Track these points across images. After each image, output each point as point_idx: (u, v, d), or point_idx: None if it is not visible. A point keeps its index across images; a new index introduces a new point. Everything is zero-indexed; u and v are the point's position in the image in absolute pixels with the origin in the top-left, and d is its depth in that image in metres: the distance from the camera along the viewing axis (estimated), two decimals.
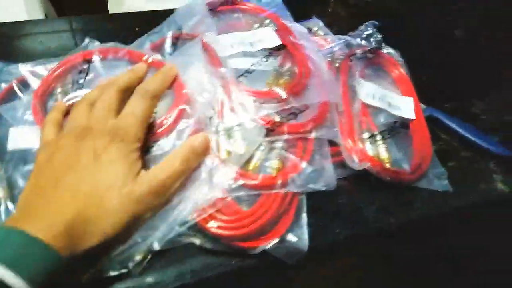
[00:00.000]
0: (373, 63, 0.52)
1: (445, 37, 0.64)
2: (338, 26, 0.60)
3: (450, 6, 0.71)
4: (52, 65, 0.46)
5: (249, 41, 0.46)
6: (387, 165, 0.42)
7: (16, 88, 0.44)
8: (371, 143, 0.43)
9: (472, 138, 0.47)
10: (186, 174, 0.35)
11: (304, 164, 0.38)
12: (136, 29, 0.56)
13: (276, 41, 0.46)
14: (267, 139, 0.39)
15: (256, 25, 0.49)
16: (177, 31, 0.45)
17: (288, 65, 0.46)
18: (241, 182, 0.36)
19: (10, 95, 0.44)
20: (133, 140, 0.33)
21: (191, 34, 0.44)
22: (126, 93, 0.37)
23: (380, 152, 0.43)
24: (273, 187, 0.37)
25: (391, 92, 0.49)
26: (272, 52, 0.46)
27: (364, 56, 0.51)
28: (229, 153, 0.37)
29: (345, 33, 0.56)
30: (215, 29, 0.44)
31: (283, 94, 0.41)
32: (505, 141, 0.48)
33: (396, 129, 0.45)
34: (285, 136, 0.39)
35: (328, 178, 0.38)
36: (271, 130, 0.39)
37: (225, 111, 0.39)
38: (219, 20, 0.50)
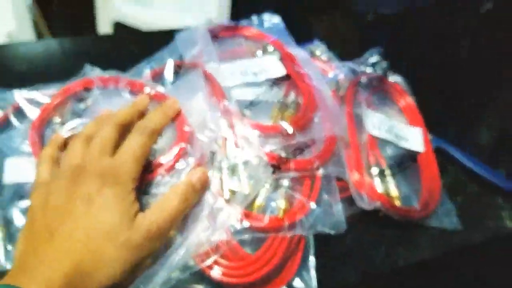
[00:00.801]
0: (379, 90, 0.51)
1: (451, 61, 0.63)
2: (341, 48, 0.58)
3: (455, 25, 0.70)
4: (48, 91, 0.44)
5: (252, 70, 0.44)
6: (397, 202, 0.41)
7: (12, 117, 0.42)
8: (380, 179, 0.41)
9: (480, 172, 0.46)
10: (185, 212, 0.33)
11: (312, 205, 0.36)
12: (135, 51, 0.54)
13: (281, 71, 0.45)
14: (273, 176, 0.37)
15: (259, 52, 0.48)
16: (178, 59, 0.43)
17: (292, 95, 0.44)
18: (246, 223, 0.35)
19: (6, 124, 0.42)
20: (128, 181, 0.31)
21: (193, 63, 0.43)
22: (125, 128, 0.35)
23: (389, 188, 0.41)
24: (280, 230, 0.35)
25: (399, 122, 0.48)
26: (276, 82, 0.44)
27: (370, 84, 0.50)
28: (233, 192, 0.35)
29: (347, 55, 0.55)
30: (217, 58, 0.43)
31: (289, 128, 0.39)
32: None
33: (405, 163, 0.44)
34: (292, 174, 0.38)
35: (337, 221, 0.36)
36: (277, 167, 0.37)
37: (229, 146, 0.37)
38: (221, 46, 0.48)
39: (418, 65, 0.61)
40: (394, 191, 0.41)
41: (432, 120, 0.49)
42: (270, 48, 0.48)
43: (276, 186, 0.37)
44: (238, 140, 0.37)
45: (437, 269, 0.43)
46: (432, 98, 0.55)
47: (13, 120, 0.42)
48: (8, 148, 0.40)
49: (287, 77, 0.45)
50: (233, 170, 0.36)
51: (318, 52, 0.55)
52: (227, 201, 0.35)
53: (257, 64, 0.45)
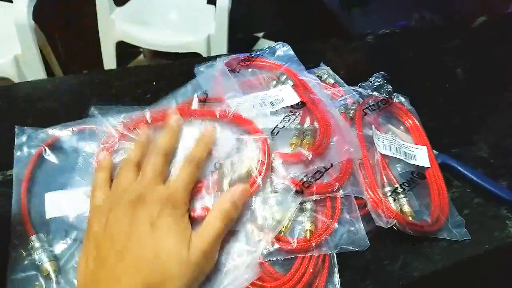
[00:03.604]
0: (384, 111, 0.53)
1: (448, 78, 0.66)
2: (346, 73, 0.61)
3: (447, 44, 0.73)
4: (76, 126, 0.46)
5: (269, 100, 0.47)
6: (410, 219, 0.43)
7: (46, 153, 0.44)
8: (393, 197, 0.44)
9: (484, 185, 0.49)
10: (229, 228, 0.36)
11: (335, 225, 0.39)
12: (153, 83, 0.56)
13: (296, 99, 0.47)
14: (299, 200, 0.39)
15: (274, 82, 0.50)
16: (203, 94, 0.45)
17: (308, 121, 0.47)
18: (276, 246, 0.37)
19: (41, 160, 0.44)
20: (182, 206, 0.34)
21: (216, 97, 0.45)
22: (169, 155, 0.38)
23: (402, 205, 0.43)
24: (308, 250, 0.37)
25: (406, 141, 0.50)
26: (292, 110, 0.47)
27: (376, 106, 0.52)
28: (265, 219, 0.37)
29: (351, 76, 0.58)
30: (239, 92, 0.45)
31: (309, 155, 0.42)
32: None
33: (415, 181, 0.46)
34: (315, 197, 0.40)
35: (360, 239, 0.38)
36: (301, 192, 0.39)
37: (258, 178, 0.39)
38: (237, 78, 0.51)
39: (418, 84, 0.64)
40: (407, 208, 0.43)
41: (435, 137, 0.52)
42: (283, 77, 0.51)
43: (301, 210, 0.40)
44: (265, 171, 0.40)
45: (450, 279, 0.45)
46: (434, 116, 0.58)
47: (48, 156, 0.44)
48: (45, 183, 0.42)
49: (301, 104, 0.47)
50: (264, 198, 0.38)
51: (324, 76, 0.57)
52: (260, 227, 0.37)
53: (274, 94, 0.48)
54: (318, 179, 0.41)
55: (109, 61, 1.68)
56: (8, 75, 1.22)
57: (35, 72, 1.25)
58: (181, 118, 0.42)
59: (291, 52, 0.55)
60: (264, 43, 2.13)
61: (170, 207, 0.33)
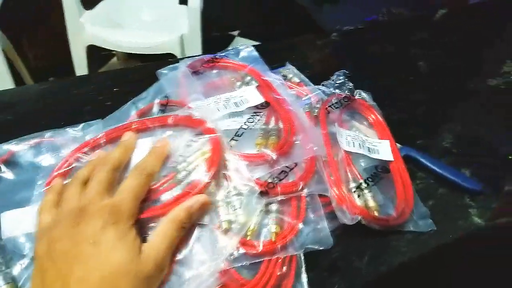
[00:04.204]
0: (348, 108, 0.53)
1: (410, 71, 0.67)
2: (311, 71, 0.60)
3: (410, 38, 0.74)
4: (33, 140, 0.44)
5: (233, 101, 0.46)
6: (375, 213, 0.43)
7: (2, 168, 0.42)
8: (357, 193, 0.44)
9: (447, 175, 0.49)
10: (181, 236, 0.35)
11: (300, 225, 0.38)
12: (115, 89, 0.54)
13: (260, 99, 0.47)
14: (264, 202, 0.39)
15: (238, 83, 0.49)
16: (163, 98, 0.44)
17: (272, 121, 0.46)
18: (242, 250, 0.36)
19: None
20: (128, 218, 0.32)
21: (179, 101, 0.44)
22: (119, 170, 0.37)
23: (367, 201, 0.43)
24: (274, 253, 0.36)
25: (369, 136, 0.51)
26: (257, 111, 0.46)
27: (340, 104, 0.52)
28: (229, 223, 0.37)
29: (317, 74, 0.57)
30: (201, 95, 0.44)
31: (274, 155, 0.41)
32: (476, 174, 0.50)
33: (379, 175, 0.46)
34: (280, 197, 0.39)
35: (324, 238, 0.38)
36: (266, 193, 0.39)
37: (220, 178, 0.39)
38: (200, 79, 0.50)
39: (382, 78, 0.64)
40: (372, 203, 0.43)
41: (399, 129, 0.52)
42: (247, 78, 0.50)
43: (266, 211, 0.39)
44: (229, 173, 0.39)
45: (416, 270, 0.46)
46: (398, 109, 0.58)
47: (4, 173, 0.42)
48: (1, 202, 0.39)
49: (266, 104, 0.47)
50: (227, 202, 0.37)
51: (290, 75, 0.57)
52: (224, 231, 0.36)
53: (238, 95, 0.47)
54: (282, 179, 0.40)
55: (80, 66, 1.64)
56: None
57: (2, 80, 1.20)
58: (135, 135, 0.40)
59: (255, 53, 0.55)
60: (239, 41, 2.11)
61: (114, 219, 0.31)
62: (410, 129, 0.56)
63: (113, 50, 1.88)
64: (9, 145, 0.43)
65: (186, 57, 0.53)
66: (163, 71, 0.49)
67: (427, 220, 0.45)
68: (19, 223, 0.37)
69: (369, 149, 0.48)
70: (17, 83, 1.38)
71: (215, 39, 1.72)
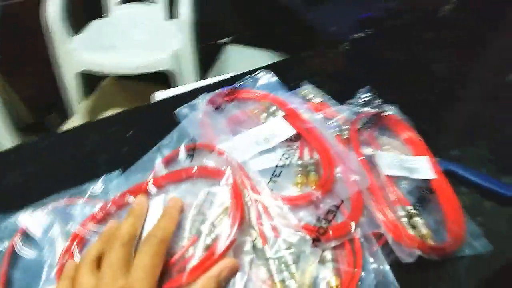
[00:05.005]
0: (378, 125, 0.50)
1: (426, 76, 0.64)
2: (328, 87, 0.57)
3: (419, 40, 0.71)
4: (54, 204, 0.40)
5: (263, 137, 0.42)
6: (429, 241, 0.40)
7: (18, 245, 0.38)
8: (408, 221, 0.40)
9: (491, 187, 0.46)
10: None
11: (362, 274, 0.35)
12: (127, 133, 0.50)
13: (290, 131, 0.43)
14: (319, 252, 0.35)
15: (263, 114, 0.46)
16: (189, 142, 0.40)
17: (306, 154, 0.43)
18: None
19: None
20: None
21: (206, 144, 0.40)
22: (131, 243, 0.32)
23: (419, 228, 0.40)
24: None
25: (406, 155, 0.47)
26: (290, 144, 0.42)
27: (370, 122, 0.49)
28: (284, 282, 0.33)
29: (337, 90, 0.54)
30: (229, 134, 0.40)
31: (318, 194, 0.37)
32: None
33: (425, 198, 0.43)
34: (333, 243, 0.36)
35: (390, 284, 0.35)
36: (317, 239, 0.35)
37: (266, 231, 0.35)
38: (222, 115, 0.46)
39: (399, 88, 0.60)
40: (424, 230, 0.40)
41: (428, 141, 0.49)
42: (272, 108, 0.46)
43: (320, 260, 0.35)
44: (274, 222, 0.35)
45: None
46: (421, 119, 0.55)
47: (23, 251, 0.38)
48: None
49: (297, 136, 0.43)
50: (279, 258, 0.34)
51: (310, 96, 0.53)
52: None
53: (266, 129, 0.43)
54: (331, 220, 0.37)
55: (73, 94, 1.59)
56: None
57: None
58: (145, 199, 0.36)
59: (274, 78, 0.51)
60: (231, 50, 2.07)
61: None
62: (441, 139, 0.53)
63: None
64: (24, 216, 0.39)
65: (202, 88, 0.49)
66: (183, 110, 0.45)
67: (482, 240, 0.42)
68: None
69: (409, 169, 0.45)
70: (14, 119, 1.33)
71: (205, 49, 1.67)
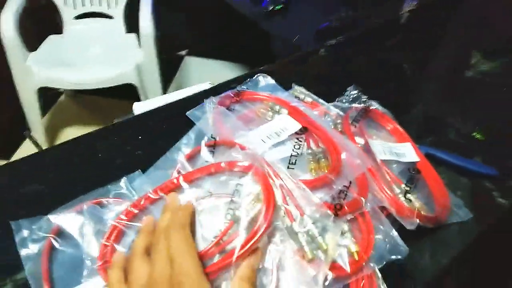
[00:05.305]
0: (366, 118, 0.56)
1: (399, 75, 0.72)
2: (315, 88, 0.62)
3: (388, 43, 0.79)
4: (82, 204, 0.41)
5: (274, 131, 0.47)
6: (423, 212, 0.46)
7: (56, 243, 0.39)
8: (404, 197, 0.46)
9: (465, 165, 0.54)
10: None
11: (375, 239, 0.40)
12: (139, 137, 0.52)
13: (297, 126, 0.48)
14: (341, 223, 0.40)
15: (270, 113, 0.50)
16: (209, 139, 0.43)
17: (313, 145, 0.47)
18: (331, 275, 0.37)
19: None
20: (199, 275, 0.32)
21: (226, 141, 0.43)
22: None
23: (413, 202, 0.46)
24: (361, 271, 0.38)
25: (392, 142, 0.54)
26: (298, 136, 0.47)
27: (359, 116, 0.55)
28: (313, 251, 0.37)
29: (323, 91, 0.60)
30: (246, 130, 0.44)
31: (332, 177, 0.42)
32: (487, 160, 0.55)
33: (414, 176, 0.49)
34: (349, 216, 0.41)
35: (399, 246, 0.40)
36: (336, 214, 0.40)
37: (292, 210, 0.39)
38: (234, 114, 0.49)
39: (375, 86, 0.68)
40: (418, 204, 0.46)
41: (408, 131, 0.56)
42: (276, 107, 0.51)
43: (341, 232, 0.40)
44: (298, 202, 0.39)
45: (469, 257, 0.49)
46: (398, 112, 0.62)
47: (61, 246, 0.39)
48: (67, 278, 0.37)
49: (304, 129, 0.48)
50: (305, 231, 0.38)
51: (302, 96, 0.58)
52: (311, 261, 0.37)
53: (275, 125, 0.47)
54: (344, 198, 0.42)
55: (32, 111, 1.53)
56: None
57: None
58: (176, 196, 0.39)
59: (272, 81, 0.55)
60: (190, 61, 2.09)
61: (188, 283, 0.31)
62: (418, 128, 0.60)
63: (60, 88, 1.77)
64: (55, 216, 0.40)
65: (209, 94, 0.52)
66: (195, 113, 0.48)
67: (464, 210, 0.49)
68: None
69: (397, 154, 0.51)
70: None
71: (164, 61, 1.68)
